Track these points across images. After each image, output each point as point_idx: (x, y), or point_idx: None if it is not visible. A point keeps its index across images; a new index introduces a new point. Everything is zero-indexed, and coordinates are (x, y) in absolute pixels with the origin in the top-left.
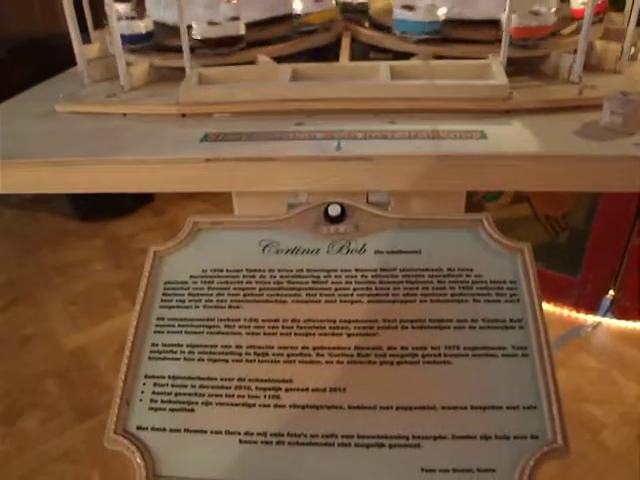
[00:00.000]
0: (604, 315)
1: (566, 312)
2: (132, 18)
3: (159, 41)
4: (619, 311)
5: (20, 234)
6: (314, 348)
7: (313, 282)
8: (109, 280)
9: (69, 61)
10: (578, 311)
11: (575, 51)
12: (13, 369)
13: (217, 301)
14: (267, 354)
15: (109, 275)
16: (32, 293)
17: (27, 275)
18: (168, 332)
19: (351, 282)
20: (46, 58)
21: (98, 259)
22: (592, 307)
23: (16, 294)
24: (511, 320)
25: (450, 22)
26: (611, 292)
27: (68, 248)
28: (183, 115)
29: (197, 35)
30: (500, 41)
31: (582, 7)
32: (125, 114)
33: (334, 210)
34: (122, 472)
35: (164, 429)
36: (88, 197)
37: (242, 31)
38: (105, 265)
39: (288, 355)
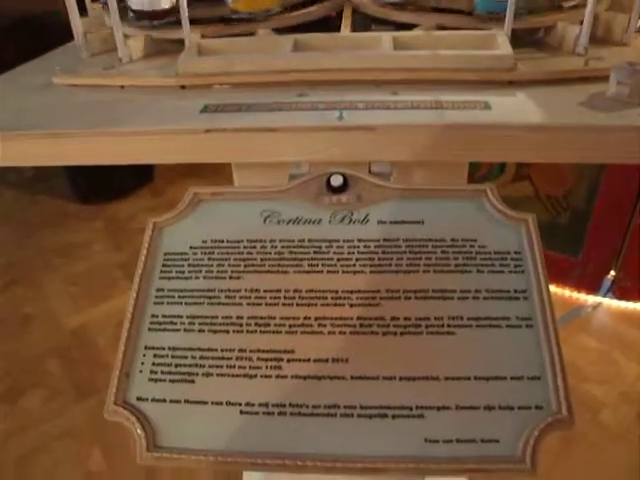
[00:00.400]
0: (605, 295)
1: (567, 292)
2: None
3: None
4: (620, 291)
5: (19, 216)
6: (316, 319)
7: (315, 252)
8: (109, 261)
9: (65, 39)
10: (579, 292)
11: (581, 22)
12: (14, 349)
13: (217, 272)
14: (269, 325)
15: (109, 256)
16: (32, 274)
17: (27, 257)
18: (168, 303)
19: (353, 252)
20: (41, 36)
21: (98, 240)
22: (593, 287)
23: (16, 275)
24: (515, 291)
25: None
26: (612, 272)
27: (68, 230)
28: (182, 87)
29: (132, 6)
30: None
31: None
32: (123, 86)
33: (336, 180)
34: (123, 449)
35: (164, 400)
36: (87, 179)
37: (166, 5)
38: (105, 246)
39: (290, 326)
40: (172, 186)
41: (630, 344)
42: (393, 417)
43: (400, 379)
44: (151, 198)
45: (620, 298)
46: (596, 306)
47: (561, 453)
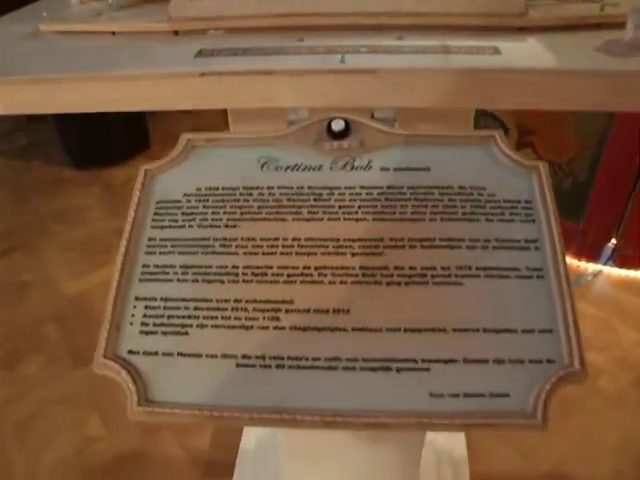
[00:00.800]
0: (605, 263)
1: (567, 260)
2: None
3: None
4: (620, 260)
5: (14, 183)
6: (316, 268)
7: (315, 200)
8: (106, 227)
9: None
10: (579, 259)
11: None
12: (12, 315)
13: (212, 220)
14: (266, 274)
15: (106, 222)
16: (29, 241)
17: (23, 223)
18: (160, 253)
19: (356, 200)
20: None
21: (94, 206)
22: (593, 255)
23: (13, 242)
24: (526, 241)
25: None
26: (613, 241)
27: (63, 196)
28: (175, 32)
29: None
30: None
31: None
32: (114, 32)
33: (338, 125)
34: (121, 415)
35: (156, 353)
36: (82, 145)
37: None
38: (101, 212)
39: (288, 275)
40: (168, 152)
41: (629, 311)
42: (397, 370)
43: (405, 331)
44: (147, 164)
45: (620, 266)
46: (596, 274)
47: (559, 419)
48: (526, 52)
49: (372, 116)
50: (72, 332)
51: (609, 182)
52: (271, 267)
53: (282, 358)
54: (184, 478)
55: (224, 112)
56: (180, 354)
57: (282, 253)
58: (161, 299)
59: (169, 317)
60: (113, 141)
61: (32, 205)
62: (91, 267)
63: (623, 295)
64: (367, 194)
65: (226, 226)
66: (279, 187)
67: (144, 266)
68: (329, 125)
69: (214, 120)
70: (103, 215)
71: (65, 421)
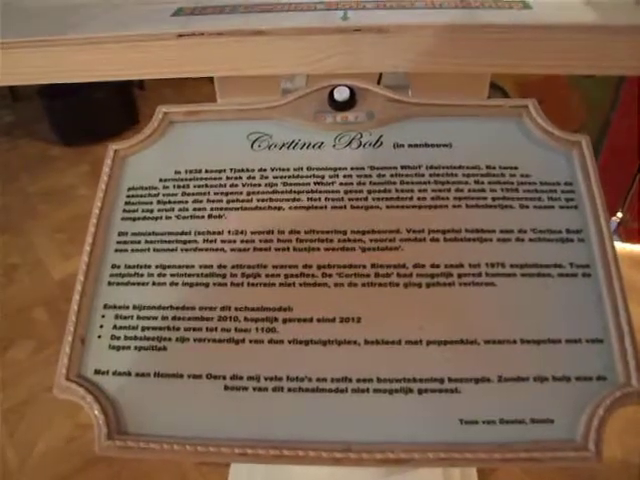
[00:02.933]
0: None
1: None
2: None
3: None
4: (625, 234)
5: None
6: (319, 267)
7: (316, 184)
8: None
9: None
10: None
11: None
12: (1, 299)
13: (194, 210)
14: (259, 275)
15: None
16: (16, 222)
17: (9, 203)
18: (133, 250)
19: (365, 183)
20: None
21: (83, 185)
22: None
23: None
24: (568, 231)
25: None
26: (619, 214)
27: (51, 174)
28: None
29: None
30: None
31: None
32: None
33: (341, 93)
34: None
35: (129, 373)
36: (70, 121)
37: None
38: (91, 191)
39: (286, 276)
40: None
41: (634, 287)
42: (420, 392)
43: (428, 343)
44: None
45: (625, 240)
46: None
47: None
48: (561, 5)
49: (378, 82)
50: (62, 316)
51: (616, 154)
52: (265, 266)
53: (280, 379)
54: (180, 465)
55: None
56: (157, 374)
57: (277, 249)
58: (134, 307)
59: (144, 329)
60: (101, 117)
61: (19, 184)
62: (81, 248)
63: (629, 270)
64: (378, 176)
65: (210, 217)
66: (273, 169)
67: (113, 267)
68: (331, 94)
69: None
70: (92, 194)
71: (57, 409)
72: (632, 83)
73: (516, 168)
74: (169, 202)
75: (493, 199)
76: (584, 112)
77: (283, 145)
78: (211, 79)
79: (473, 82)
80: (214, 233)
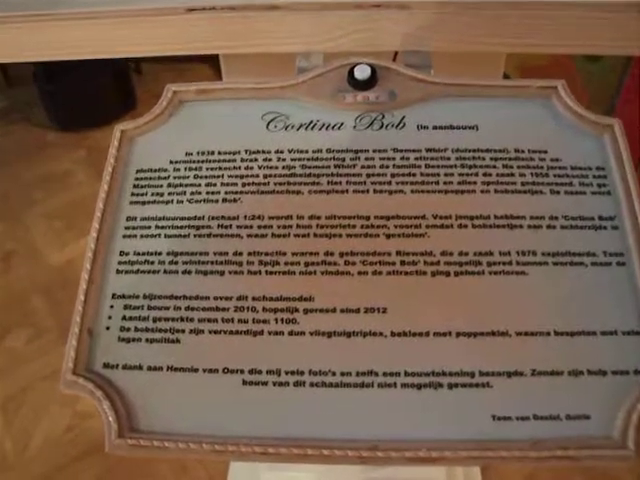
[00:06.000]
0: None
1: None
2: None
3: None
4: None
5: None
6: (341, 254)
7: (336, 166)
8: (92, 192)
9: None
10: None
11: None
12: None
13: (207, 194)
14: (277, 263)
15: (92, 187)
16: (12, 208)
17: (5, 190)
18: (142, 236)
19: (388, 166)
20: None
21: (80, 170)
22: None
23: None
24: (601, 218)
25: None
26: None
27: (47, 160)
28: None
29: None
30: None
31: None
32: None
33: (362, 72)
34: None
35: (140, 367)
36: (66, 105)
37: None
38: (88, 176)
39: (306, 264)
40: None
41: None
42: (449, 387)
43: (457, 335)
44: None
45: None
46: None
47: None
48: None
49: (394, 59)
50: (60, 304)
51: None
52: (284, 253)
53: (302, 373)
54: None
55: (219, 67)
56: (171, 368)
57: (297, 235)
58: (144, 296)
59: (155, 320)
60: (97, 102)
61: (14, 170)
62: (78, 235)
63: None
64: (402, 159)
65: (225, 201)
66: (290, 151)
67: (122, 254)
68: (351, 72)
69: (211, 79)
70: (89, 180)
71: (55, 397)
72: (637, 69)
73: (546, 152)
74: (180, 185)
75: (522, 184)
76: (587, 98)
77: (301, 126)
78: (212, 63)
79: (489, 64)
80: (229, 218)
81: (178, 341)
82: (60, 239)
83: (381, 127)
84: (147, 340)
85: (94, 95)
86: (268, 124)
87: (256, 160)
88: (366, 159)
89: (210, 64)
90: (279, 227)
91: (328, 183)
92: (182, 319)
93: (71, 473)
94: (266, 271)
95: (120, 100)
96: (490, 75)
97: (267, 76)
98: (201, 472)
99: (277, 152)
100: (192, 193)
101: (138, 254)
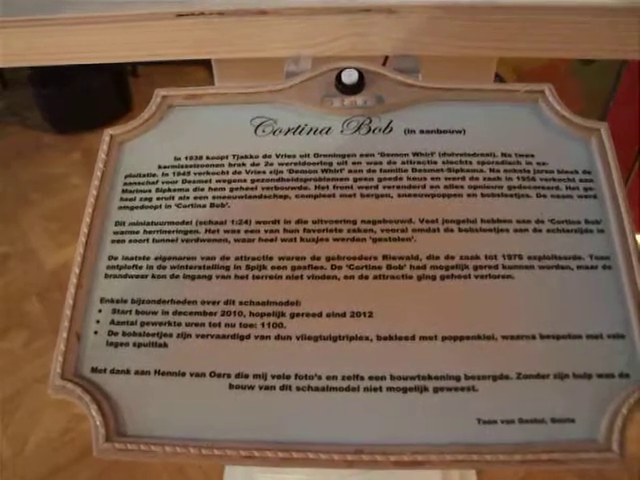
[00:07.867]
0: None
1: None
2: None
3: None
4: None
5: None
6: (328, 258)
7: (323, 171)
8: (88, 195)
9: None
10: None
11: None
12: None
13: (195, 198)
14: (264, 267)
15: (88, 190)
16: (7, 210)
17: (1, 192)
18: (130, 241)
19: (375, 170)
20: None
21: (76, 173)
22: None
23: None
24: (587, 221)
25: None
26: None
27: (43, 163)
28: None
29: None
30: None
31: None
32: None
33: (350, 76)
34: None
35: (128, 371)
36: (62, 108)
37: None
38: (84, 179)
39: (293, 268)
40: None
41: None
42: (435, 390)
43: (443, 339)
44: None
45: None
46: None
47: None
48: None
49: (384, 63)
50: (55, 306)
51: (615, 139)
52: (270, 258)
53: (288, 377)
54: None
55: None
56: (158, 372)
57: (284, 240)
58: (132, 301)
59: (143, 324)
60: (93, 105)
61: (10, 173)
62: (74, 237)
63: None
64: (389, 163)
65: (212, 206)
66: (278, 155)
67: (110, 258)
68: (339, 77)
69: (205, 82)
70: (85, 182)
71: (51, 399)
72: (631, 72)
73: (532, 156)
74: (169, 190)
75: (509, 188)
76: (582, 101)
77: (288, 130)
78: (207, 66)
79: (480, 68)
80: (217, 223)
81: (166, 345)
82: (56, 241)
83: (368, 131)
84: (135, 344)
85: (90, 98)
86: (256, 129)
87: (244, 165)
88: (353, 163)
89: (206, 67)
90: (266, 232)
91: (315, 187)
92: (170, 323)
93: (67, 475)
94: (253, 275)
95: (116, 103)
96: (482, 78)
97: (259, 80)
98: (197, 473)
99: (265, 157)
100: (180, 198)
101: (127, 259)
